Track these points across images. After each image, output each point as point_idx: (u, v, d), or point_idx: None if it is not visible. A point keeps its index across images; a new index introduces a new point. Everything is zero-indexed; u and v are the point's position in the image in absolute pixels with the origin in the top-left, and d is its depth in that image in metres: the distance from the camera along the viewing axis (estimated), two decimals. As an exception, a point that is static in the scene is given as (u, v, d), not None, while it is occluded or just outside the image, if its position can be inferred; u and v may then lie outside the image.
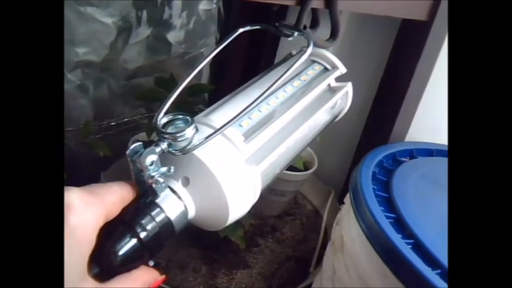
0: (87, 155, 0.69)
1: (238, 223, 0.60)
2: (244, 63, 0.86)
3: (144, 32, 0.73)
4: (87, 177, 0.68)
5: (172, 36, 0.78)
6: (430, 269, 0.34)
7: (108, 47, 0.69)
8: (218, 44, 0.39)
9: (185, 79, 0.35)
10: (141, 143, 0.28)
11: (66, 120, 0.69)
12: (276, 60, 0.83)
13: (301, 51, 0.44)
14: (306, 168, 0.72)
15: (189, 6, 0.77)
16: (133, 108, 0.79)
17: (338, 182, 0.79)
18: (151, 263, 0.30)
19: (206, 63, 0.39)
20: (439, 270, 0.34)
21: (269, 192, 0.71)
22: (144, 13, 0.71)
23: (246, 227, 0.70)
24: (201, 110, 0.36)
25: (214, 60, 0.83)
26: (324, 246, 0.69)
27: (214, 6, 0.82)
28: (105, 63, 0.70)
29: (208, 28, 0.83)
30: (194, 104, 0.71)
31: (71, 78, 0.68)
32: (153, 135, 0.62)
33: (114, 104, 0.76)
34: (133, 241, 0.27)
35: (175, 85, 0.34)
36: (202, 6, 0.80)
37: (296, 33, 0.42)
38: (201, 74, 0.85)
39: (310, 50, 0.38)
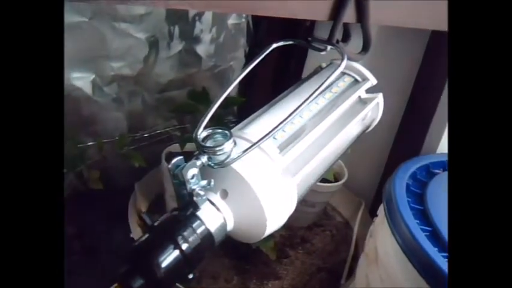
0: (122, 166, 0.72)
1: (269, 234, 0.61)
2: (272, 76, 0.86)
3: (176, 46, 0.75)
4: (122, 187, 0.71)
5: (202, 50, 0.80)
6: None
7: (142, 62, 0.71)
8: (250, 58, 0.40)
9: (217, 93, 0.36)
10: (181, 157, 0.29)
11: (102, 132, 0.72)
12: (305, 72, 0.83)
13: (333, 64, 0.45)
14: (336, 180, 0.72)
15: (219, 21, 0.79)
16: (166, 120, 0.81)
17: (368, 194, 0.78)
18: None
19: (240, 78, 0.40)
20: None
21: (299, 202, 0.71)
22: (176, 28, 0.74)
23: (276, 238, 0.70)
24: (231, 121, 0.37)
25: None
26: (354, 258, 0.68)
27: (243, 20, 0.84)
28: (139, 77, 0.73)
29: (237, 42, 0.85)
30: (224, 115, 0.73)
31: (107, 91, 0.70)
32: (186, 146, 0.63)
33: (147, 116, 0.78)
34: (176, 253, 0.28)
35: (207, 98, 0.35)
36: (232, 21, 0.82)
37: (329, 47, 0.42)
38: (231, 87, 0.87)
39: (344, 63, 0.38)
